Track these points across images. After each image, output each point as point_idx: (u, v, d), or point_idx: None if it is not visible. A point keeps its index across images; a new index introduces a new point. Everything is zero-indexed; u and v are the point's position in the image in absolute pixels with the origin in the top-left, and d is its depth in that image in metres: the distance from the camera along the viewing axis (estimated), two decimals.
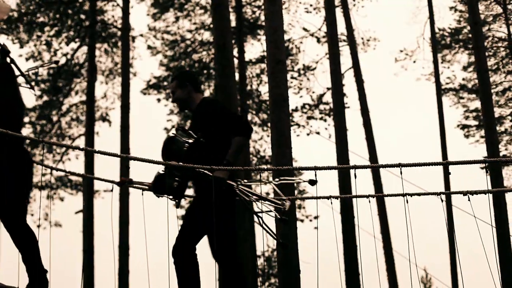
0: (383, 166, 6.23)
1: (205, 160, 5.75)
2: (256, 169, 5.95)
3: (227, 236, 5.79)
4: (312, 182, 5.80)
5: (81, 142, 24.18)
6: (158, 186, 5.96)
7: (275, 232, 5.93)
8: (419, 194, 6.56)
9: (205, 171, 5.54)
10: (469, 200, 6.34)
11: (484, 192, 6.36)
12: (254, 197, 5.72)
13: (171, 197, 5.90)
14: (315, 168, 5.83)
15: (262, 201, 5.74)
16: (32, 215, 23.92)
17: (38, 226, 23.47)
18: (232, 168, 5.70)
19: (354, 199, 15.53)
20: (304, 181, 5.98)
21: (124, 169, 19.80)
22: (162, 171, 5.97)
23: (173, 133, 5.86)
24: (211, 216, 5.58)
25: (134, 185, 6.41)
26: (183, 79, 6.23)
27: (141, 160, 5.85)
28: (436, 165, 5.98)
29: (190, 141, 5.74)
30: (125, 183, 6.41)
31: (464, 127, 26.65)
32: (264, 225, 5.82)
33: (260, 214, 5.93)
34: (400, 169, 5.98)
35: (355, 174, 6.14)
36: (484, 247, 6.00)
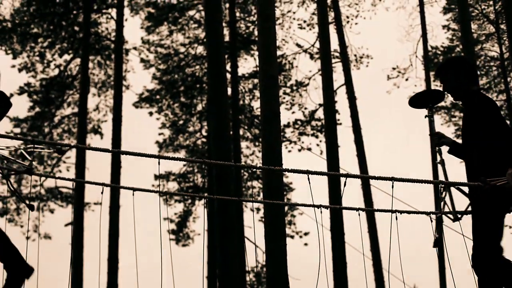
0: (375, 178, 6.19)
1: None
2: (248, 166, 5.98)
3: None
4: (60, 152, 5.97)
5: (72, 154, 24.13)
6: None
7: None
8: (409, 212, 6.48)
9: None
10: (457, 221, 6.31)
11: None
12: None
13: None
14: (307, 172, 5.80)
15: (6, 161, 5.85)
16: (21, 226, 23.86)
17: (27, 238, 23.39)
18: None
19: (344, 213, 15.57)
20: (54, 150, 6.08)
21: (116, 166, 19.79)
22: None
23: None
24: None
25: None
26: None
27: (132, 154, 5.86)
28: (429, 183, 5.94)
29: None
30: None
31: None
32: (11, 187, 5.92)
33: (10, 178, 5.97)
34: (392, 183, 5.94)
35: (345, 182, 6.16)
36: (468, 264, 5.96)
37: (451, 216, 5.71)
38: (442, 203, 5.72)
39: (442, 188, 5.79)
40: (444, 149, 5.88)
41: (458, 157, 5.73)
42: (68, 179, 6.66)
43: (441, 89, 5.91)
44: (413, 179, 5.78)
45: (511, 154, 5.26)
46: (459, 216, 5.64)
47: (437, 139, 5.83)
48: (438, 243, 5.55)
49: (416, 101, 6.18)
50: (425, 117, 6.12)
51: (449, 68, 5.72)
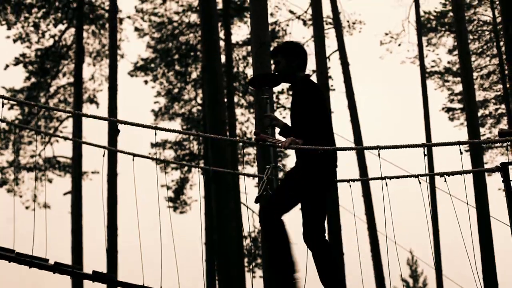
0: (362, 149, 6.37)
1: None
2: (241, 141, 6.15)
3: None
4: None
5: (69, 123, 24.31)
6: None
7: None
8: (397, 177, 6.53)
9: None
10: (445, 181, 6.44)
11: (460, 172, 6.41)
12: None
13: None
14: (297, 148, 5.91)
15: None
16: (21, 196, 24.08)
17: (27, 207, 23.65)
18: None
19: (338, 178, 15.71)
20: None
21: (112, 135, 19.95)
22: None
23: None
24: None
25: None
26: None
27: (129, 123, 6.03)
28: (413, 147, 6.04)
29: None
30: None
31: (448, 110, 26.89)
32: None
33: None
34: (378, 151, 6.07)
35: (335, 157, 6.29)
36: (462, 226, 6.13)
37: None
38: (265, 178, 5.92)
39: (268, 169, 6.00)
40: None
41: None
42: (69, 139, 6.84)
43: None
44: (398, 145, 5.91)
45: (321, 138, 5.47)
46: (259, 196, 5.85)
47: (268, 121, 6.02)
48: (260, 199, 5.75)
49: (255, 82, 6.38)
50: (262, 99, 6.31)
51: (283, 52, 5.85)
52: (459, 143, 6.05)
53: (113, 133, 19.92)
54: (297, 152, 5.67)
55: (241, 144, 21.22)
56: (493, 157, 26.24)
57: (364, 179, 16.73)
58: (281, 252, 5.47)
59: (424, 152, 6.01)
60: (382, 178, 6.33)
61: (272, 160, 6.06)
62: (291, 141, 5.41)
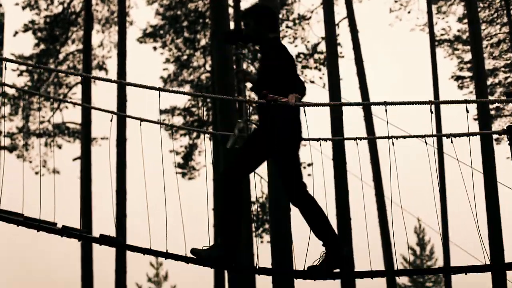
0: (369, 104, 6.41)
1: None
2: (246, 101, 6.18)
3: None
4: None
5: (78, 90, 24.34)
6: None
7: None
8: (404, 137, 6.52)
9: None
10: (451, 142, 6.44)
11: (467, 134, 6.41)
12: None
13: None
14: (305, 105, 5.91)
15: None
16: (30, 162, 24.26)
17: (36, 173, 23.81)
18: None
19: (346, 142, 15.76)
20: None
21: (121, 102, 20.00)
22: None
23: None
24: None
25: None
26: None
27: (134, 85, 6.09)
28: (420, 103, 6.08)
29: None
30: None
31: (458, 78, 26.83)
32: None
33: None
34: (385, 106, 6.08)
35: (342, 112, 6.36)
36: (469, 190, 6.14)
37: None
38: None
39: (239, 123, 6.11)
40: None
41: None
42: (78, 104, 6.89)
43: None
44: (404, 102, 5.97)
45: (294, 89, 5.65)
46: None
47: (241, 76, 6.18)
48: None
49: (229, 36, 6.52)
50: (234, 55, 6.43)
51: (252, 14, 6.01)
52: (466, 101, 6.08)
53: (121, 99, 19.96)
54: (260, 110, 5.83)
55: (250, 110, 21.20)
56: (502, 126, 26.22)
57: (371, 138, 16.69)
58: (230, 217, 5.60)
59: (431, 109, 6.03)
60: (389, 138, 6.34)
61: (244, 115, 6.18)
62: (296, 98, 5.50)
